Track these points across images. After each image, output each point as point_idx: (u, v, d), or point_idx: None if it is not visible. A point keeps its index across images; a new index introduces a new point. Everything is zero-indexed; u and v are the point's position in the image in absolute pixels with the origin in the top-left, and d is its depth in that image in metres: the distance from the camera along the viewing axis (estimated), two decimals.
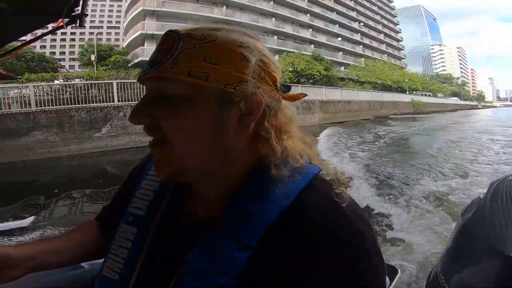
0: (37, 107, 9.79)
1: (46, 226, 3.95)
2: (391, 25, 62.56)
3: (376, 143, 11.14)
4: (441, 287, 0.88)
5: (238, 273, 0.40)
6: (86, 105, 10.40)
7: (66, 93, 10.34)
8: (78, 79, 13.10)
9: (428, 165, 6.77)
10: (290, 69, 24.39)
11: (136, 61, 22.72)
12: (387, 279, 0.85)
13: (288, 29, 33.75)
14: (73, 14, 1.98)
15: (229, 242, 0.41)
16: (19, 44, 2.98)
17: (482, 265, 0.81)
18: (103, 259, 0.53)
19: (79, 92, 10.60)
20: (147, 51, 22.46)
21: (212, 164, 0.44)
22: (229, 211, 0.44)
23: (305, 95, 0.54)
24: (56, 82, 11.63)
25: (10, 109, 9.53)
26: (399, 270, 0.96)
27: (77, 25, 2.08)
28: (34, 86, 10.08)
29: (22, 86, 10.04)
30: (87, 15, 2.13)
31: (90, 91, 10.86)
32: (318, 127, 16.04)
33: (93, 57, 20.39)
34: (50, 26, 2.33)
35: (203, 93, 0.41)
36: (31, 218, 4.09)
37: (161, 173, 0.45)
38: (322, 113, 20.17)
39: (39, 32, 2.59)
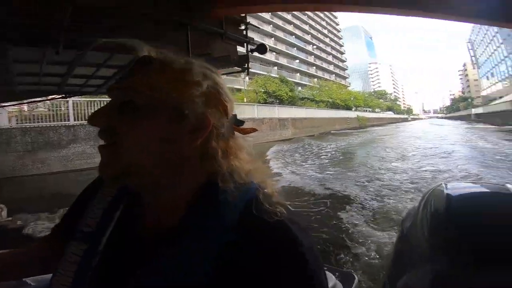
0: (75, 121, 10.83)
1: None
2: (337, 47, 71.37)
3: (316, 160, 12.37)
4: None
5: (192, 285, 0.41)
6: None
7: None
8: None
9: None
10: (262, 90, 28.78)
11: None
12: (340, 285, 0.91)
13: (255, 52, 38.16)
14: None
15: (182, 258, 0.43)
16: None
17: (418, 274, 0.81)
18: (49, 275, 0.52)
19: None
20: None
21: (158, 171, 0.47)
22: (182, 225, 0.46)
23: (255, 130, 0.57)
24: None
25: (63, 121, 10.60)
26: (356, 276, 1.00)
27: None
28: (73, 101, 10.87)
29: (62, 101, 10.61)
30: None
31: None
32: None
33: None
34: None
35: (160, 106, 0.46)
36: None
37: (105, 174, 0.47)
38: (293, 129, 24.97)
39: None
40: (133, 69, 0.48)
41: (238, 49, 3.60)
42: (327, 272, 0.77)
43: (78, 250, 0.51)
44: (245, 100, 25.24)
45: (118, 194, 0.55)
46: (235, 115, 0.53)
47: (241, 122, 0.54)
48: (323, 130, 30.75)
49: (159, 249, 0.45)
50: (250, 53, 3.65)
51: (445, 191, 0.91)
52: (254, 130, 0.56)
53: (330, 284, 1.06)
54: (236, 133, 0.53)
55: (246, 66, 3.76)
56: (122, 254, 0.48)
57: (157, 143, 0.46)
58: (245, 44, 3.66)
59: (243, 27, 3.61)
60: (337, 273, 1.13)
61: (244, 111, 19.52)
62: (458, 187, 1.00)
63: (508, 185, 0.92)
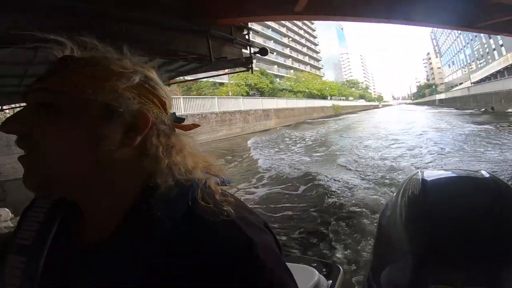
0: None
1: None
2: (311, 38, 73.61)
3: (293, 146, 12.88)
4: (372, 285, 0.88)
5: None
6: None
7: None
8: None
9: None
10: (244, 83, 30.19)
11: None
12: (323, 279, 0.90)
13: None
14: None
15: (121, 266, 0.40)
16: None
17: (400, 266, 0.81)
18: None
19: None
20: None
21: (87, 177, 0.44)
22: (120, 232, 0.43)
23: (198, 125, 0.55)
24: None
25: None
26: (341, 268, 0.98)
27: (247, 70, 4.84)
28: None
29: None
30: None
31: None
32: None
33: None
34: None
35: (83, 106, 0.42)
36: None
37: (27, 185, 0.43)
38: (276, 119, 26.64)
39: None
40: (52, 69, 0.44)
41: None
42: (308, 267, 0.73)
43: (18, 263, 0.48)
44: (230, 94, 26.57)
45: (54, 204, 0.52)
46: (174, 113, 0.51)
47: (182, 119, 0.52)
48: (303, 119, 32.71)
49: (93, 262, 0.41)
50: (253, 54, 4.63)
51: (421, 181, 0.91)
52: (196, 126, 0.54)
53: (313, 280, 1.06)
54: (177, 130, 0.51)
55: (250, 66, 4.72)
56: (61, 268, 0.45)
57: (83, 147, 0.42)
58: (248, 47, 4.54)
59: (245, 32, 4.47)
60: (321, 266, 1.12)
61: (230, 104, 20.71)
62: (433, 175, 0.97)
63: (482, 172, 0.92)
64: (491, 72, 37.12)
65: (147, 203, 0.43)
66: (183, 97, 17.42)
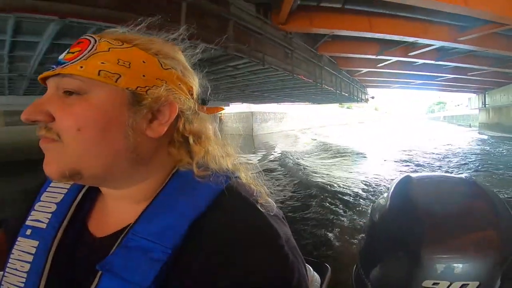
0: None
1: None
2: None
3: None
4: (363, 281, 0.90)
5: (158, 278, 0.37)
6: None
7: None
8: None
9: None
10: None
11: None
12: (317, 276, 0.91)
13: None
14: None
15: (146, 246, 0.39)
16: None
17: (393, 260, 0.83)
18: None
19: None
20: None
21: (116, 165, 0.42)
22: (146, 214, 0.42)
23: (222, 108, 0.53)
24: None
25: None
26: (329, 267, 0.99)
27: None
28: None
29: None
30: None
31: None
32: None
33: None
34: None
35: (110, 92, 0.40)
36: None
37: (51, 172, 0.41)
38: None
39: None
40: (75, 51, 0.42)
41: None
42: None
43: (29, 247, 0.45)
44: None
45: (71, 188, 0.50)
46: (202, 98, 0.49)
47: (205, 100, 0.50)
48: None
49: (121, 243, 0.40)
50: None
51: (411, 184, 0.95)
52: (220, 109, 0.53)
53: (309, 275, 0.87)
54: (202, 114, 0.48)
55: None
56: (75, 255, 0.44)
57: (109, 135, 0.41)
58: None
59: None
60: (310, 264, 1.08)
61: None
62: (423, 179, 1.02)
63: (467, 178, 0.97)
64: None
65: (174, 191, 0.43)
66: None
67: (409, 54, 9.02)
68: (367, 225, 1.05)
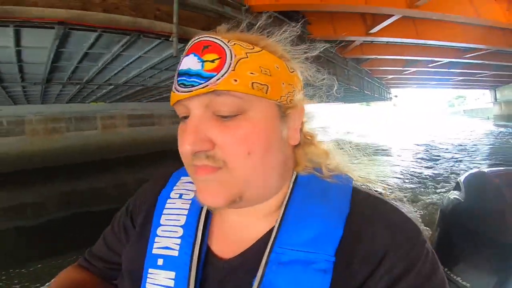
0: None
1: None
2: None
3: None
4: (448, 277, 0.85)
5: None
6: None
7: None
8: None
9: None
10: None
11: None
12: None
13: None
14: None
15: (305, 258, 0.36)
16: None
17: (483, 255, 0.81)
18: None
19: None
20: None
21: (273, 182, 0.40)
22: (286, 226, 0.38)
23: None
24: None
25: None
26: None
27: None
28: None
29: None
30: None
31: None
32: None
33: None
34: None
35: (262, 107, 0.37)
36: None
37: (219, 202, 0.38)
38: None
39: None
40: (209, 60, 0.36)
41: None
42: None
43: (166, 280, 0.41)
44: None
45: (191, 208, 0.45)
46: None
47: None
48: None
49: (266, 269, 0.36)
50: None
51: (487, 179, 0.91)
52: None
53: None
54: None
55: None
56: (219, 280, 0.40)
57: (269, 153, 0.38)
58: None
59: None
60: None
61: None
62: (498, 174, 0.95)
63: None
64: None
65: (305, 198, 0.41)
66: None
67: (429, 65, 12.55)
68: (441, 221, 1.04)
